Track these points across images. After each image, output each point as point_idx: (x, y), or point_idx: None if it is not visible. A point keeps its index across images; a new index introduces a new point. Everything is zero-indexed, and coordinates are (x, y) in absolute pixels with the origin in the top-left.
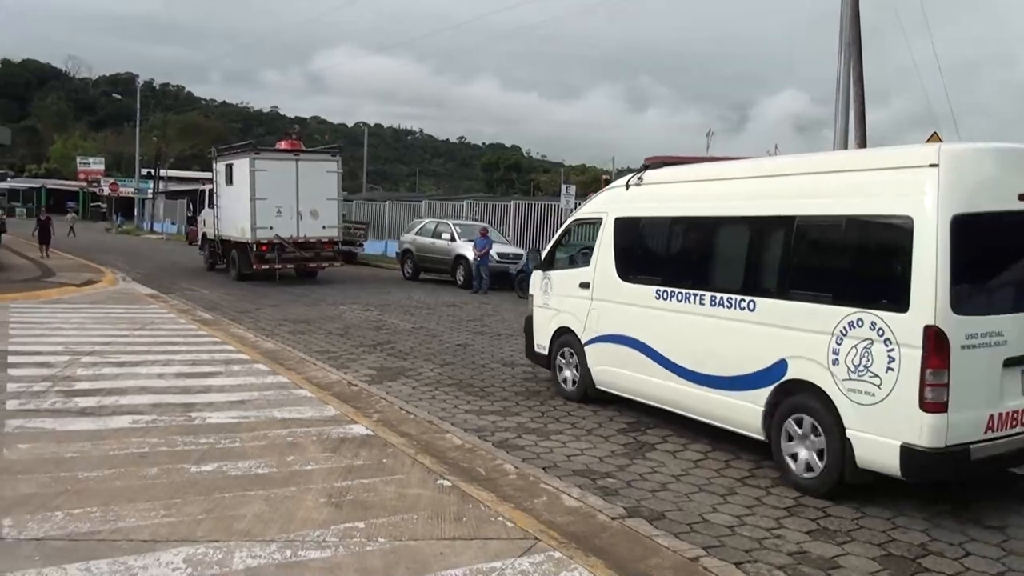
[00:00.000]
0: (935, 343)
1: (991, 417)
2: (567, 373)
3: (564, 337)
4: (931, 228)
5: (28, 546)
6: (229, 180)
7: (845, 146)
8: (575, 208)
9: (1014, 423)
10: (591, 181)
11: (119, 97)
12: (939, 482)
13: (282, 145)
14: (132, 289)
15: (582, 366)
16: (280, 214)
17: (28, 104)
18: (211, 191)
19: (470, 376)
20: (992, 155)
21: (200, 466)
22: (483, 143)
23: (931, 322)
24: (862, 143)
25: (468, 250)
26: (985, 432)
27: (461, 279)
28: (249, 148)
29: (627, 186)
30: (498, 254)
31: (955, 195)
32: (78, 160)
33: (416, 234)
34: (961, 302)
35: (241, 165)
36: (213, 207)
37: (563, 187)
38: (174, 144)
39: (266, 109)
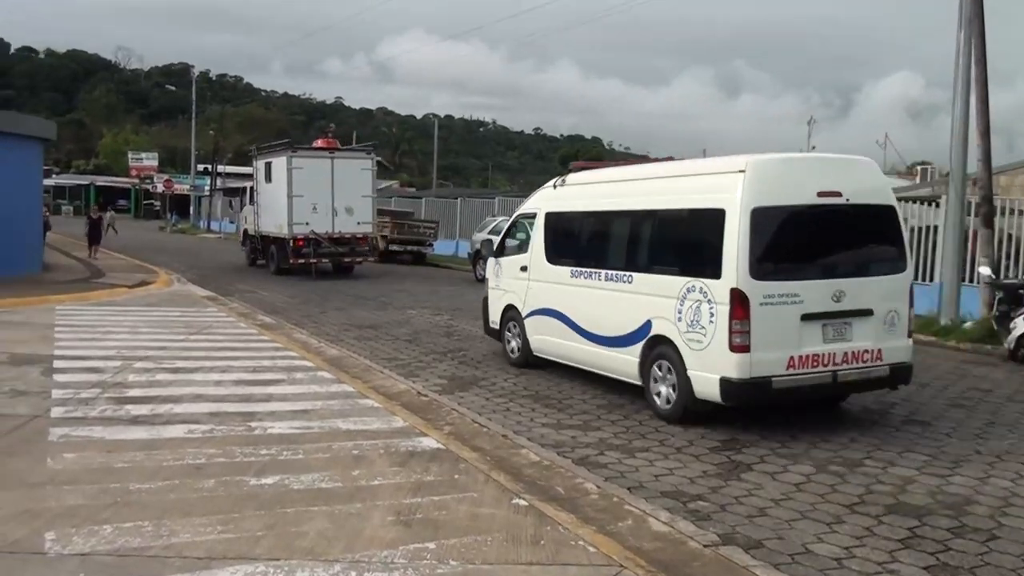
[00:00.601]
0: (738, 301)
1: (791, 358)
2: (513, 344)
3: (510, 313)
4: (735, 217)
5: (72, 561)
6: (268, 178)
7: (965, 134)
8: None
9: (814, 363)
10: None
11: (173, 89)
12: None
13: (319, 143)
14: (188, 291)
15: (522, 337)
16: (316, 210)
17: (74, 97)
18: (251, 188)
19: (547, 387)
20: (791, 163)
21: (260, 479)
22: (560, 135)
23: (735, 285)
24: (985, 131)
25: None
26: (787, 369)
27: None
28: (287, 146)
29: (555, 186)
30: None
31: (754, 193)
32: (129, 155)
33: (489, 233)
34: (759, 271)
35: (279, 163)
36: (253, 204)
37: None
38: (232, 138)
39: (329, 100)
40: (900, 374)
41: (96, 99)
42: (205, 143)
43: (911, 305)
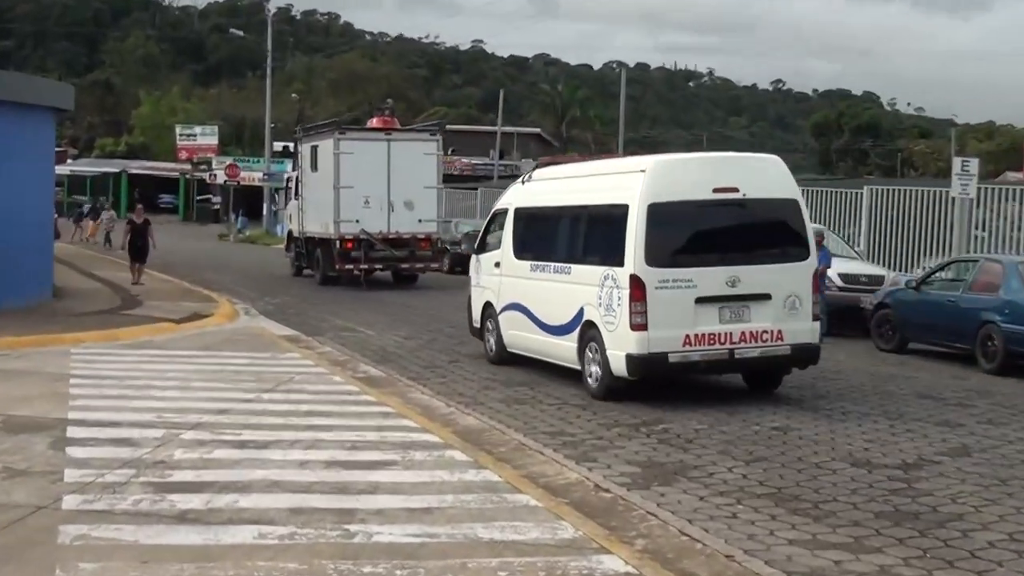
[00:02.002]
0: (636, 285)
1: (687, 336)
2: (491, 341)
3: (488, 311)
4: (635, 212)
5: None
6: (314, 165)
7: None
8: (968, 194)
9: (710, 341)
10: (1006, 150)
11: (239, 34)
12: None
13: (373, 123)
14: (261, 327)
15: (497, 333)
16: (368, 205)
17: (98, 48)
18: (297, 179)
19: (794, 481)
20: (690, 163)
21: None
22: (813, 90)
23: (633, 272)
24: None
25: None
26: (682, 345)
27: None
28: (334, 127)
29: (523, 182)
30: (842, 275)
31: (652, 190)
32: (177, 131)
33: None
34: (655, 259)
35: (325, 147)
36: (298, 198)
37: (955, 160)
38: (324, 103)
39: (464, 45)
40: (804, 354)
41: (128, 49)
42: (285, 111)
43: (818, 291)
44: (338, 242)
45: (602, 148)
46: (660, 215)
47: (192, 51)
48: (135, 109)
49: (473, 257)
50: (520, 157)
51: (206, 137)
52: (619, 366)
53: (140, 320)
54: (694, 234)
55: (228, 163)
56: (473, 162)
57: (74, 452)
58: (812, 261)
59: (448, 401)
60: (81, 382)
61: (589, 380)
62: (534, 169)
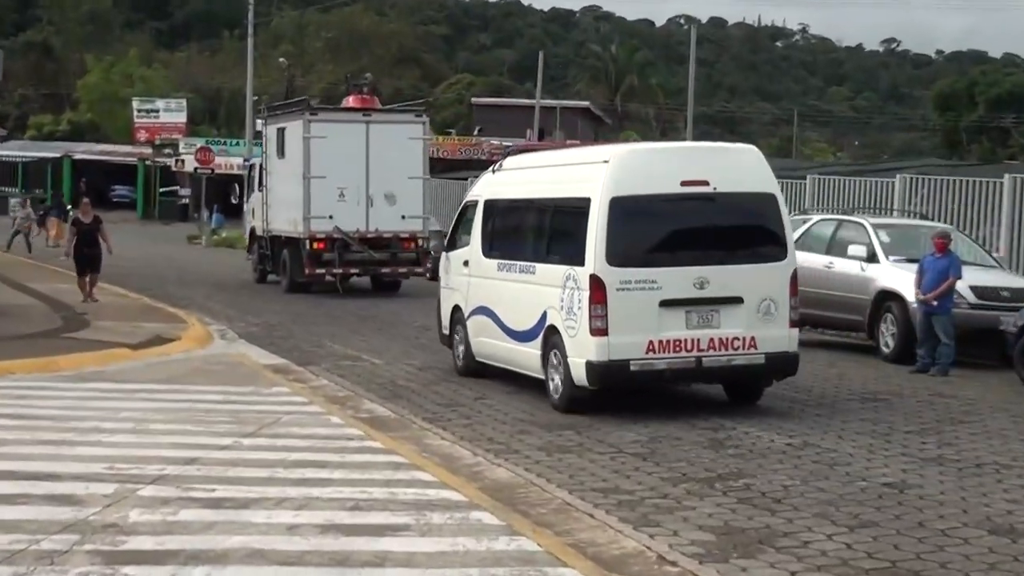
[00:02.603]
0: (596, 286)
1: (650, 342)
2: (459, 349)
3: (457, 315)
4: (597, 206)
5: None
6: (281, 151)
7: None
8: None
9: (676, 348)
10: None
11: None
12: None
13: (349, 102)
14: (240, 354)
15: (465, 339)
16: (343, 198)
17: (34, 2)
18: (261, 167)
19: (914, 553)
20: (656, 153)
21: None
22: (937, 52)
23: (593, 271)
24: None
25: (904, 282)
26: (646, 353)
27: (889, 343)
28: (304, 106)
29: (493, 171)
30: (975, 289)
31: (615, 183)
32: (135, 105)
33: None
34: (616, 258)
35: (294, 130)
36: (262, 190)
37: None
38: (320, 68)
39: None
40: (780, 363)
41: (72, 4)
42: (271, 81)
43: (795, 294)
44: (308, 242)
45: (668, 127)
46: (623, 210)
47: (153, 5)
48: (80, 79)
49: (443, 255)
50: (564, 138)
51: (171, 113)
52: (580, 374)
53: (87, 345)
54: (660, 231)
55: (199, 146)
56: (504, 143)
57: (1, 512)
58: (790, 261)
59: (474, 448)
60: (9, 423)
61: (551, 391)
62: (506, 156)
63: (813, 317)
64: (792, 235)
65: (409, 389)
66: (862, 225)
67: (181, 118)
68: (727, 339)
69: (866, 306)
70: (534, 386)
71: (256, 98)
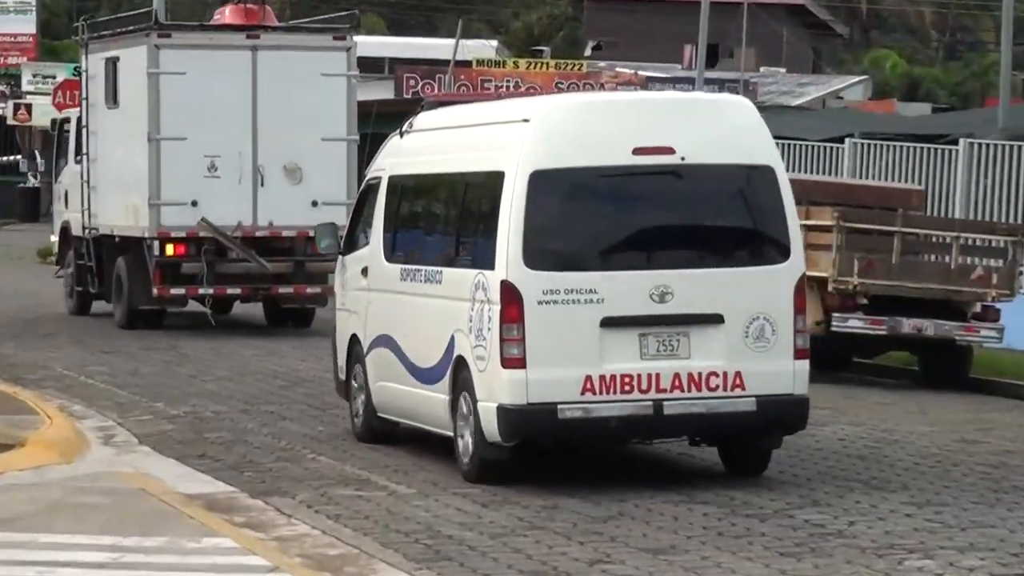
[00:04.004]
0: (508, 297)
1: (587, 378)
2: (357, 402)
3: (356, 348)
4: (511, 185)
5: None
6: (112, 97)
7: None
8: None
9: (625, 387)
10: None
11: None
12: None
13: (225, 16)
14: (142, 474)
15: (365, 386)
16: (215, 172)
17: None
18: (78, 123)
19: None
20: (597, 108)
21: None
22: None
23: (504, 277)
24: None
25: None
26: (582, 393)
27: None
28: (147, 23)
29: (401, 135)
30: None
31: (537, 152)
32: None
33: None
34: (537, 258)
35: (132, 61)
36: (81, 160)
37: None
38: None
39: None
40: (778, 411)
41: None
42: None
43: (801, 311)
44: (157, 244)
45: (960, 46)
46: (549, 189)
47: None
48: None
49: (339, 260)
50: (758, 61)
51: (8, 20)
52: (490, 425)
53: None
54: (603, 220)
55: (61, 81)
56: (645, 74)
57: None
58: (795, 264)
59: None
60: None
61: (460, 452)
62: (420, 111)
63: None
64: (798, 227)
65: (462, 542)
66: None
67: (27, 28)
68: (700, 375)
69: None
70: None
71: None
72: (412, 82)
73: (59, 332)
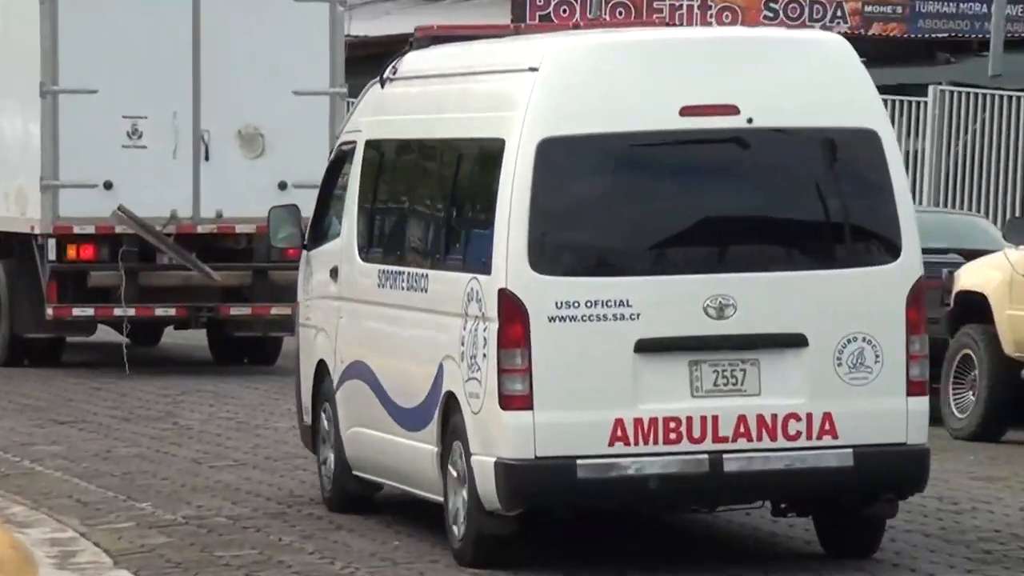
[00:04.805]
0: (509, 312)
1: (618, 423)
2: (327, 456)
3: (324, 381)
4: (512, 158)
5: None
6: None
7: None
8: None
9: (672, 435)
10: None
11: None
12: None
13: None
14: None
15: (335, 434)
16: (138, 140)
17: None
18: None
19: None
20: (630, 50)
21: None
22: None
23: (504, 285)
24: None
25: None
26: (611, 444)
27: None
28: None
29: (382, 84)
30: None
31: (549, 111)
32: None
33: None
34: (549, 258)
35: None
36: None
37: None
38: None
39: None
40: (885, 465)
41: None
42: None
43: (918, 329)
44: (53, 244)
45: None
46: (564, 164)
47: None
48: None
49: (303, 257)
50: None
51: None
52: (487, 487)
53: None
54: (638, 206)
55: None
56: None
57: None
58: (908, 265)
59: None
60: None
61: (450, 523)
62: (409, 49)
63: None
64: (912, 214)
65: None
66: None
67: None
68: (775, 418)
69: None
70: None
71: None
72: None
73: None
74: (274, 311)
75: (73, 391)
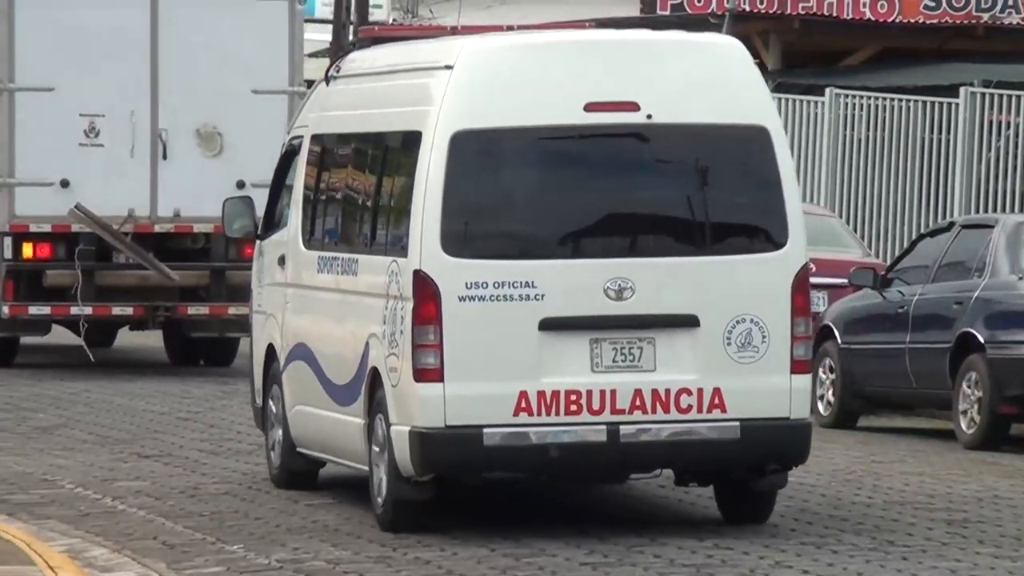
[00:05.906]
0: (423, 291)
1: (523, 395)
2: (275, 434)
3: (273, 367)
4: (428, 149)
5: None
6: None
7: None
8: None
9: (572, 407)
10: None
11: None
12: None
13: None
14: None
15: (282, 415)
16: (95, 139)
17: None
18: None
19: None
20: (539, 51)
21: None
22: None
23: (418, 267)
24: None
25: None
26: (516, 414)
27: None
28: None
29: (327, 81)
30: None
31: (459, 107)
32: None
33: None
34: (459, 241)
35: None
36: None
37: None
38: None
39: None
40: (770, 439)
41: None
42: None
43: (802, 312)
44: (9, 242)
45: None
46: (475, 155)
47: None
48: None
49: (256, 247)
50: None
51: None
52: (404, 456)
53: None
54: (544, 194)
55: None
56: None
57: None
58: (792, 253)
59: None
60: None
61: (375, 494)
62: (351, 49)
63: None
64: (798, 205)
65: None
66: None
67: None
68: (668, 392)
69: None
70: None
71: None
72: None
73: (66, 417)
74: (231, 311)
75: (158, 422)
